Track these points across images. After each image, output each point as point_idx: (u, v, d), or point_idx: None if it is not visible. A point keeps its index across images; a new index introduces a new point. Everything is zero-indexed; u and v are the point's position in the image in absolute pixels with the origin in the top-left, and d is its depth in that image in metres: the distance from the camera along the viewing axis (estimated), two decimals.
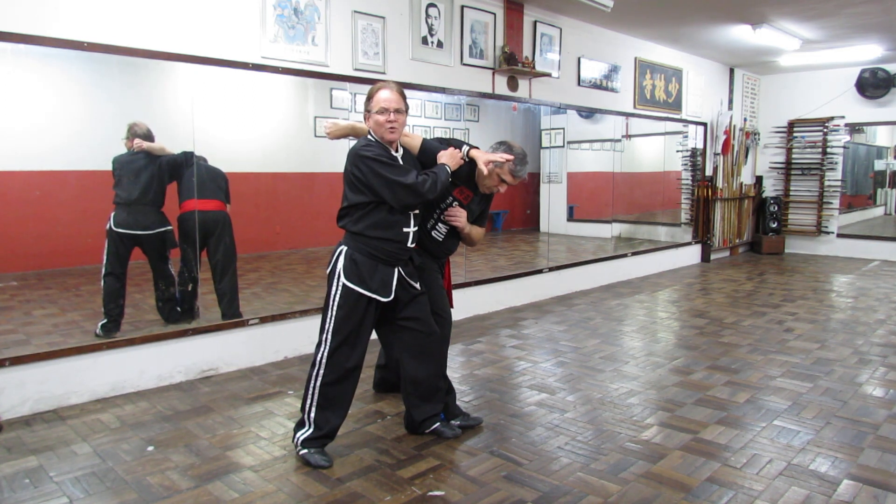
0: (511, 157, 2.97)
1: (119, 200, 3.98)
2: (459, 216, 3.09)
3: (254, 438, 3.05)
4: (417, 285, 2.92)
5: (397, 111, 2.70)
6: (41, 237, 4.21)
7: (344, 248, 2.78)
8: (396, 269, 2.83)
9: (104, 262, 3.94)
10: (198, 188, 4.13)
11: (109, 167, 3.98)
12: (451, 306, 3.33)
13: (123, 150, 4.00)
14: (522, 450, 2.93)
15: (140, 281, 4.25)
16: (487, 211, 3.30)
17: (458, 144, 3.06)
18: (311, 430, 2.80)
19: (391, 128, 2.70)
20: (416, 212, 2.84)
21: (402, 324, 2.91)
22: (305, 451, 2.79)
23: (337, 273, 2.76)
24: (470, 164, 2.98)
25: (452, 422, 3.12)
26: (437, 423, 3.07)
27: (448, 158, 2.86)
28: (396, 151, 2.81)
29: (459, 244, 3.28)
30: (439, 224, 3.12)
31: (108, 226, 3.96)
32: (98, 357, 3.61)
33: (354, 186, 2.72)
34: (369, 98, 2.73)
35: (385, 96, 2.69)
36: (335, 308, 2.75)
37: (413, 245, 2.88)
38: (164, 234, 4.15)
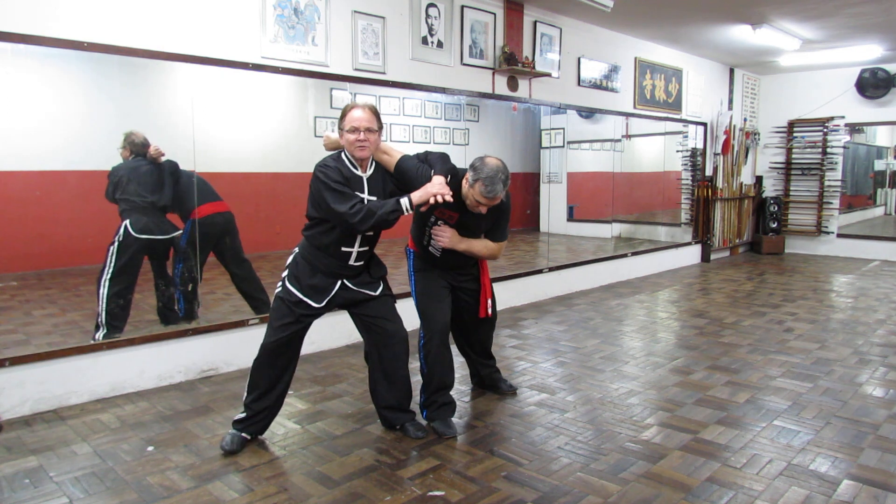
0: (436, 193, 2.74)
1: (132, 207, 3.96)
2: (441, 236, 3.06)
3: (254, 438, 3.05)
4: (375, 292, 2.97)
5: (368, 130, 2.75)
6: (41, 237, 4.21)
7: (296, 250, 2.95)
8: (339, 281, 2.90)
9: (110, 268, 3.88)
10: (208, 192, 4.19)
11: (109, 167, 3.97)
12: (484, 314, 3.30)
13: (133, 133, 4.01)
14: (522, 450, 2.93)
15: (140, 280, 4.25)
16: (500, 225, 3.17)
17: (433, 161, 2.93)
18: (241, 413, 2.98)
19: (360, 146, 2.76)
20: (370, 234, 2.87)
21: (367, 321, 3.00)
22: (231, 431, 2.96)
23: (283, 276, 2.94)
24: (451, 183, 2.87)
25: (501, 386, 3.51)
26: (405, 422, 3.10)
27: (420, 191, 2.77)
28: (366, 169, 2.85)
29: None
30: (433, 240, 3.13)
31: (121, 233, 3.93)
32: (98, 357, 3.61)
33: (312, 200, 2.83)
34: (342, 116, 2.79)
35: (357, 115, 2.75)
36: (273, 301, 2.95)
37: (359, 263, 2.90)
38: (177, 239, 4.18)
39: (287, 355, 2.94)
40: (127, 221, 3.95)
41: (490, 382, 3.67)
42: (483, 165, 2.85)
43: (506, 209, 3.13)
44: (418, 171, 2.88)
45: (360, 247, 2.87)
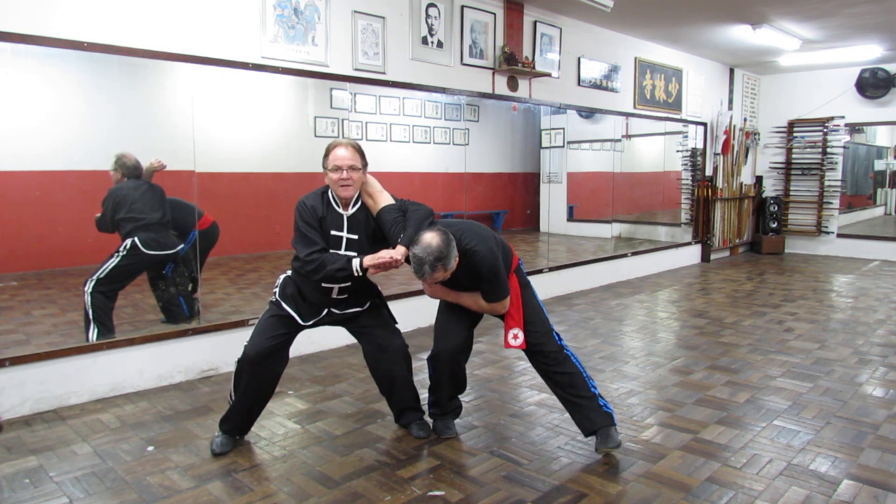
0: (382, 264, 2.66)
1: (140, 225, 3.98)
2: (425, 287, 3.00)
3: (254, 438, 3.05)
4: (363, 307, 2.95)
5: (351, 168, 2.73)
6: (41, 237, 4.22)
7: (289, 271, 2.95)
8: (326, 309, 2.90)
9: (102, 273, 3.87)
10: (197, 210, 4.26)
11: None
12: (507, 346, 2.95)
13: (125, 155, 4.03)
14: (522, 450, 2.93)
15: (140, 280, 4.26)
16: (484, 289, 2.82)
17: (409, 221, 2.75)
18: (225, 411, 2.98)
19: (344, 185, 2.74)
20: None
21: (360, 331, 3.00)
22: (218, 433, 2.96)
23: (273, 290, 2.97)
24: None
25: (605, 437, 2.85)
26: (412, 421, 3.10)
27: (371, 258, 2.70)
28: (348, 207, 2.82)
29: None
30: None
31: (127, 246, 3.94)
32: (98, 357, 3.61)
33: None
34: (326, 155, 2.77)
35: (340, 154, 2.73)
36: (265, 311, 2.95)
37: (343, 297, 2.87)
38: (179, 251, 4.22)
39: (269, 365, 2.88)
40: (136, 238, 3.96)
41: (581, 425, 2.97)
42: (416, 243, 2.62)
43: (485, 274, 2.77)
44: (392, 228, 2.75)
45: (339, 282, 2.85)
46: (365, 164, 2.80)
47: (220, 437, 2.93)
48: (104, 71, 3.88)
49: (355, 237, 2.81)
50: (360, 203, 2.85)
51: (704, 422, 3.25)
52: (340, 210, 2.81)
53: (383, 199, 2.85)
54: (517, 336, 2.90)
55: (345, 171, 2.71)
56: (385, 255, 2.67)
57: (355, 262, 2.70)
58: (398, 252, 2.67)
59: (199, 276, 4.27)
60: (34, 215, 4.14)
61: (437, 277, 2.66)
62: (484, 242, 2.76)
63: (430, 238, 2.60)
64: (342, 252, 2.79)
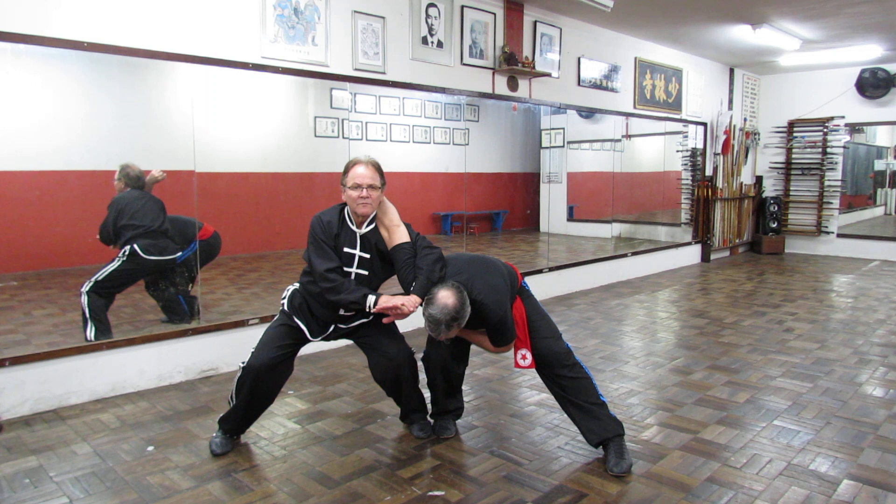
0: (394, 311, 2.72)
1: (142, 232, 4.00)
2: None
3: (254, 438, 3.06)
4: (368, 317, 2.90)
5: (370, 187, 2.74)
6: (41, 237, 4.22)
7: (296, 284, 2.94)
8: (333, 325, 2.90)
9: (100, 276, 3.89)
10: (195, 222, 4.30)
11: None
12: (517, 365, 2.90)
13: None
14: (522, 450, 2.93)
15: (140, 281, 4.25)
16: (490, 334, 2.83)
17: (420, 267, 2.77)
18: (225, 412, 2.98)
19: (363, 203, 2.76)
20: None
21: (364, 342, 2.98)
22: (217, 433, 2.96)
23: (281, 302, 2.95)
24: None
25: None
26: (415, 421, 3.11)
27: (387, 299, 2.72)
28: (363, 226, 2.82)
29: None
30: None
31: (126, 253, 3.96)
32: (98, 357, 3.62)
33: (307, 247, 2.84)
34: (345, 172, 2.79)
35: (360, 172, 2.75)
36: (272, 322, 2.97)
37: (350, 314, 2.87)
38: (178, 258, 4.24)
39: (274, 375, 2.88)
40: (135, 245, 3.98)
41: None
42: (432, 303, 2.63)
43: (493, 325, 2.78)
44: (403, 271, 2.78)
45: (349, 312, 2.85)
46: (383, 184, 2.81)
47: (219, 438, 2.93)
48: (104, 71, 3.88)
49: (367, 256, 2.82)
50: (374, 223, 2.86)
51: (704, 422, 3.26)
52: (354, 228, 2.83)
53: (398, 234, 2.83)
54: (525, 356, 2.88)
55: (364, 190, 2.73)
56: (398, 301, 2.70)
57: (370, 300, 2.71)
58: (410, 304, 2.69)
59: (198, 276, 4.28)
60: (34, 215, 4.14)
61: (451, 335, 2.70)
62: (493, 293, 2.73)
63: (446, 298, 2.62)
64: (354, 270, 2.81)
